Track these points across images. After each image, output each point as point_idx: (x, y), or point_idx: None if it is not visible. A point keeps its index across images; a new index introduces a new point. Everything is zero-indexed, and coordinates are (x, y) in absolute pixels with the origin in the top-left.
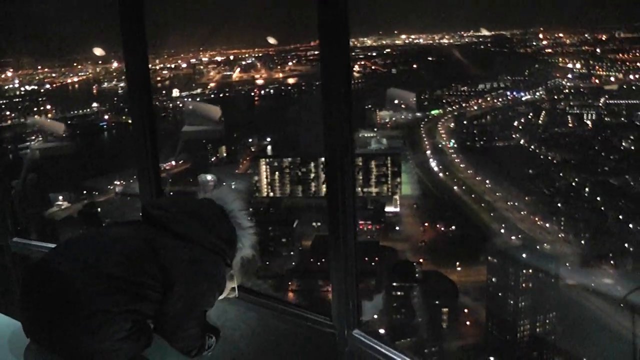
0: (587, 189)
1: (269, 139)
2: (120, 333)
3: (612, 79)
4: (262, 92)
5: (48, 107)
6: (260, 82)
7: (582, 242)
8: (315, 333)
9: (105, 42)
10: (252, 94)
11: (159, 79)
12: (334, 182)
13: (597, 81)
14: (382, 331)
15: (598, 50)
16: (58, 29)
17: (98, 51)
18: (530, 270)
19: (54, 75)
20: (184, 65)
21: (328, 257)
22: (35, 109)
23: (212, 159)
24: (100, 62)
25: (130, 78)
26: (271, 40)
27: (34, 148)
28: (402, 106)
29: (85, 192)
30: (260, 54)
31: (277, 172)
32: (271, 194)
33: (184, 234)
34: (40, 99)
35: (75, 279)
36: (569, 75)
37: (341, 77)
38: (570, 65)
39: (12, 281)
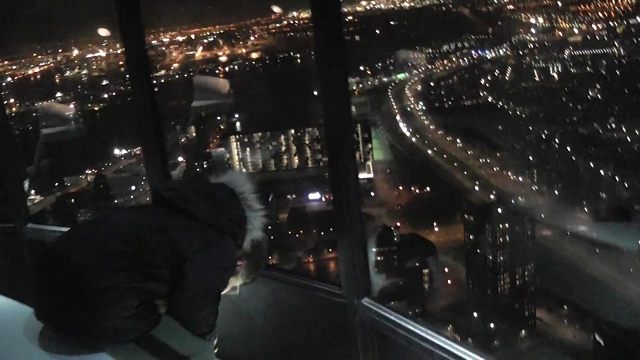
0: (556, 140)
1: (237, 116)
2: (128, 311)
3: (576, 30)
4: (227, 69)
5: (12, 100)
6: (223, 59)
7: (556, 192)
8: (326, 303)
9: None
10: (217, 71)
11: (121, 63)
12: (335, 151)
13: (560, 34)
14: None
15: (559, 3)
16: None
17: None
18: (507, 225)
19: (14, 67)
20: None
21: (334, 226)
22: None
23: (182, 140)
24: (61, 50)
25: (129, 60)
26: (276, 9)
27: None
28: (411, 66)
29: (57, 184)
30: (221, 31)
31: (247, 148)
32: (243, 170)
33: (196, 214)
34: (2, 93)
35: (83, 259)
36: (533, 30)
37: (335, 45)
38: (533, 21)
39: (27, 267)
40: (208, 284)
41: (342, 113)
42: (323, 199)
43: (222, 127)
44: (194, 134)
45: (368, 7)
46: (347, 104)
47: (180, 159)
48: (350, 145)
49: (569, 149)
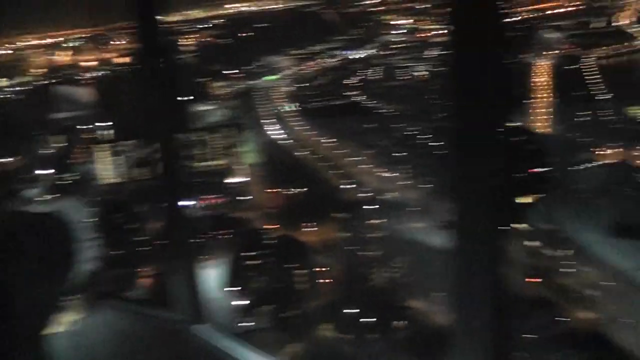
0: (423, 136)
1: (104, 124)
2: None
3: (440, 32)
4: (94, 74)
5: None
6: (90, 64)
7: (423, 185)
8: (165, 330)
9: None
10: (84, 76)
11: None
12: (165, 163)
13: (425, 35)
14: (239, 302)
15: (424, 5)
16: None
17: None
18: (378, 220)
19: None
20: (2, 52)
21: (165, 252)
22: None
23: (45, 151)
24: None
25: None
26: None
27: None
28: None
29: None
30: (90, 35)
31: (115, 157)
32: (111, 180)
33: (23, 248)
34: None
35: None
36: (398, 31)
37: (155, 54)
38: (399, 22)
39: None
40: (36, 321)
41: (170, 125)
42: (196, 204)
43: (88, 137)
44: (59, 145)
45: (235, 10)
46: (176, 116)
47: (42, 172)
48: (177, 161)
49: (434, 144)
